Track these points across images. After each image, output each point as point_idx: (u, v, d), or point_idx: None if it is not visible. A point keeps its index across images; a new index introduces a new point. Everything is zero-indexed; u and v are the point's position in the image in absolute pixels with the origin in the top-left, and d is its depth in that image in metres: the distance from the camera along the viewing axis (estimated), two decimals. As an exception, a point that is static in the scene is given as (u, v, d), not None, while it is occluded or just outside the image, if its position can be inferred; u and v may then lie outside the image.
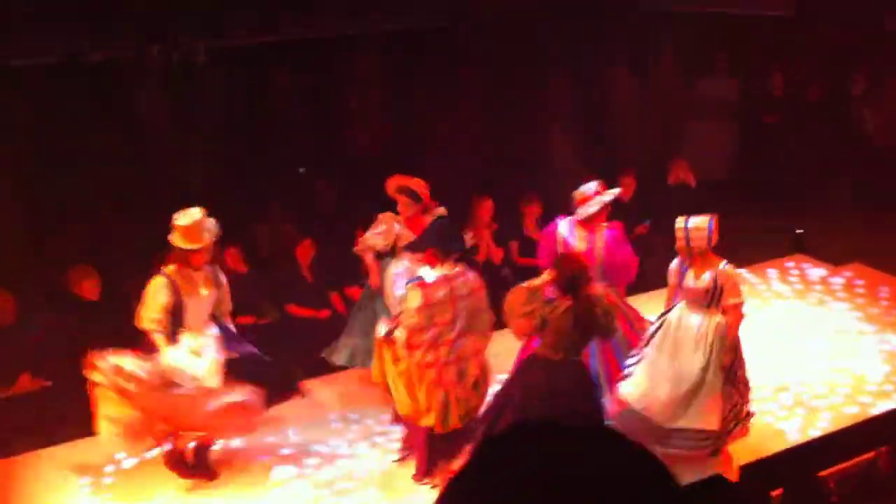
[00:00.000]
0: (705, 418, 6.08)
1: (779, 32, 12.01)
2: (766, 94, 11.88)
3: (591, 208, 6.76)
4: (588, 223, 6.78)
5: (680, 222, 6.35)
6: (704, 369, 6.13)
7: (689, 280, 6.27)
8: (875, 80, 11.64)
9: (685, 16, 11.95)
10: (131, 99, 10.37)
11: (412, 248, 6.72)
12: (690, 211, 7.27)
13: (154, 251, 8.05)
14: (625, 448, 1.22)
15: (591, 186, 6.85)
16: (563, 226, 6.88)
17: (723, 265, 6.26)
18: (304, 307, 8.24)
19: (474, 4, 11.28)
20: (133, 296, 7.22)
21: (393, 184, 7.10)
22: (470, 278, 6.21)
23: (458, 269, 6.18)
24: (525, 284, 6.03)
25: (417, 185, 7.08)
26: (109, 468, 6.66)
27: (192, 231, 6.30)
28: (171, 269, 6.32)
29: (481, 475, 1.22)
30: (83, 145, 9.63)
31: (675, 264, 6.46)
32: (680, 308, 6.34)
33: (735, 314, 6.22)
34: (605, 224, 6.84)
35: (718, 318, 6.19)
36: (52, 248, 8.58)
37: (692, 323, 6.23)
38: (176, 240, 6.28)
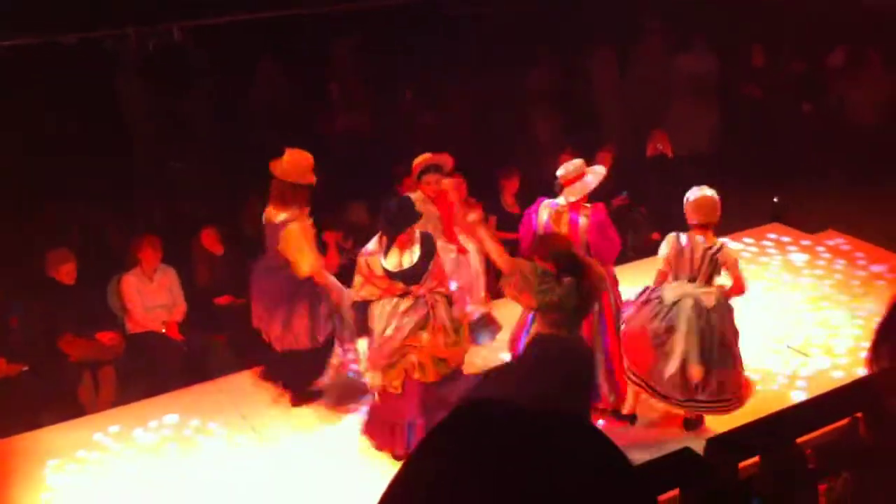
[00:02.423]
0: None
1: (758, 3, 11.99)
2: (748, 68, 11.86)
3: (586, 187, 6.49)
4: (574, 204, 6.50)
5: (706, 201, 6.26)
6: None
7: None
8: (854, 54, 11.64)
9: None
10: (110, 84, 10.28)
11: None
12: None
13: (132, 236, 8.06)
14: (579, 431, 1.21)
15: (576, 165, 6.55)
16: (544, 210, 6.59)
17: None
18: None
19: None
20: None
21: (421, 164, 6.95)
22: None
23: None
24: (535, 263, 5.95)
25: (443, 159, 7.00)
26: (86, 451, 6.67)
27: (307, 167, 6.55)
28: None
29: (431, 457, 1.21)
30: (61, 130, 9.57)
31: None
32: None
33: None
34: (587, 205, 6.55)
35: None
36: (29, 233, 8.53)
37: None
38: (295, 175, 6.50)
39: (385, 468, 6.25)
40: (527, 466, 1.14)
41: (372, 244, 6.22)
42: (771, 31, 11.82)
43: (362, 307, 6.29)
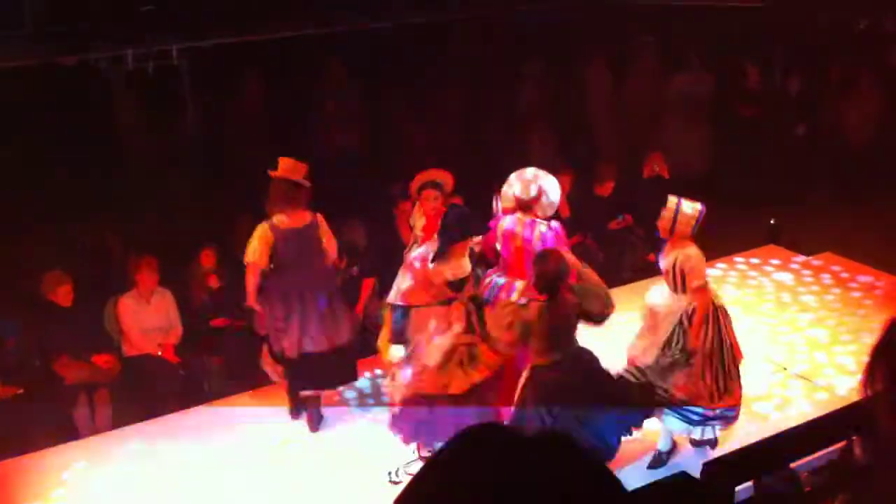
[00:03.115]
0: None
1: (752, 23, 12.05)
2: (743, 87, 11.89)
3: (554, 200, 6.63)
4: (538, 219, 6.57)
5: (672, 202, 6.26)
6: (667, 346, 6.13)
7: (660, 259, 6.30)
8: (847, 74, 11.70)
9: (660, 8, 11.98)
10: (104, 104, 10.31)
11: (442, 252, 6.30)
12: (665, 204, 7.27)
13: (128, 256, 8.04)
14: (575, 456, 1.22)
15: (535, 184, 6.59)
16: (508, 221, 6.62)
17: (687, 250, 6.16)
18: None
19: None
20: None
21: (420, 179, 6.98)
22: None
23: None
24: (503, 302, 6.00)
25: (444, 176, 7.05)
26: (81, 470, 6.65)
27: (302, 169, 6.81)
28: None
29: (435, 478, 1.23)
30: (58, 150, 9.57)
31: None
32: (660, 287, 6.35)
33: (699, 297, 6.13)
34: (546, 222, 6.58)
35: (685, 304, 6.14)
36: (25, 255, 8.51)
37: (666, 300, 6.24)
38: (293, 175, 6.77)
39: (385, 484, 6.26)
40: (523, 490, 1.16)
41: (427, 251, 6.23)
42: (766, 50, 11.88)
43: (403, 312, 6.25)
